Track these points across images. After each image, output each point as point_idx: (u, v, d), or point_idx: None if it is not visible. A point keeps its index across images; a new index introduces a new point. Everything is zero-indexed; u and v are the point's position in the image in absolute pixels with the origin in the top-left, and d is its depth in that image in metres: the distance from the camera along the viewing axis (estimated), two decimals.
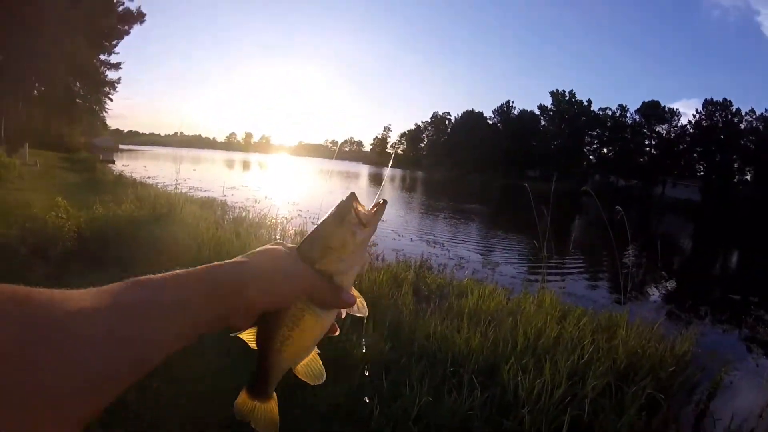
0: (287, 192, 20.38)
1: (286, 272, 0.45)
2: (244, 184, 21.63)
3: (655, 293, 6.58)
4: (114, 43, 39.21)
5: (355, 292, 0.50)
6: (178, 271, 0.40)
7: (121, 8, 37.61)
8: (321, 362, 0.52)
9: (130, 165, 27.33)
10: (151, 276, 0.38)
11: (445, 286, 5.26)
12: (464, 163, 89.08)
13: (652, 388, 2.86)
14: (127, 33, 39.38)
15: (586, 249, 9.72)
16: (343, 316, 0.52)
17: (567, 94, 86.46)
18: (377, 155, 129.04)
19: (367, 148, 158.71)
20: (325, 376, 0.52)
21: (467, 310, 4.04)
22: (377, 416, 2.36)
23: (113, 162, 29.80)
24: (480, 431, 2.33)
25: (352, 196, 0.49)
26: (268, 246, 0.48)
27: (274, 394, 0.51)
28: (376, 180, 40.30)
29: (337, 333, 0.51)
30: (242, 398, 0.50)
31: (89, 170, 19.14)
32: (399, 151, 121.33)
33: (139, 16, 38.59)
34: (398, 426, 2.40)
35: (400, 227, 11.40)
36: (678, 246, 11.71)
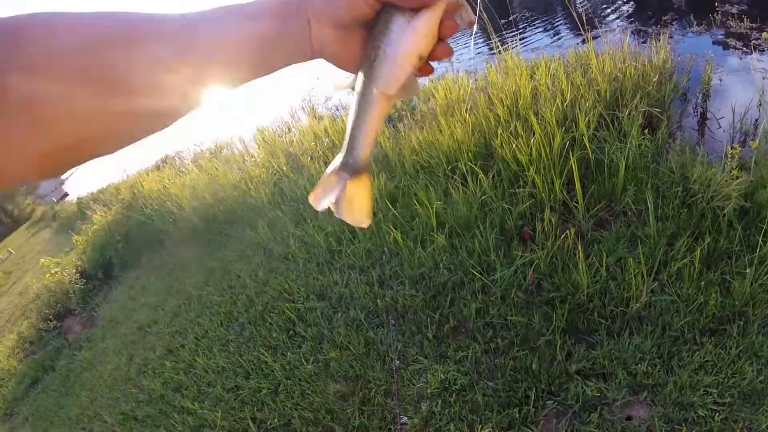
0: None
1: None
2: None
3: (612, 17, 6.22)
4: None
5: None
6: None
7: None
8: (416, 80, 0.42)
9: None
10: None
11: (410, 99, 4.91)
12: None
13: (645, 106, 2.79)
14: None
15: (529, 2, 9.00)
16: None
17: None
18: None
19: None
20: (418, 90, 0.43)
21: (439, 109, 3.78)
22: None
23: (66, 194, 22.12)
24: (499, 211, 2.30)
25: None
26: None
27: (371, 164, 0.41)
28: None
29: (452, 56, 0.39)
30: (329, 176, 0.41)
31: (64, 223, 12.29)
32: None
33: None
34: (426, 234, 2.39)
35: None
36: None
